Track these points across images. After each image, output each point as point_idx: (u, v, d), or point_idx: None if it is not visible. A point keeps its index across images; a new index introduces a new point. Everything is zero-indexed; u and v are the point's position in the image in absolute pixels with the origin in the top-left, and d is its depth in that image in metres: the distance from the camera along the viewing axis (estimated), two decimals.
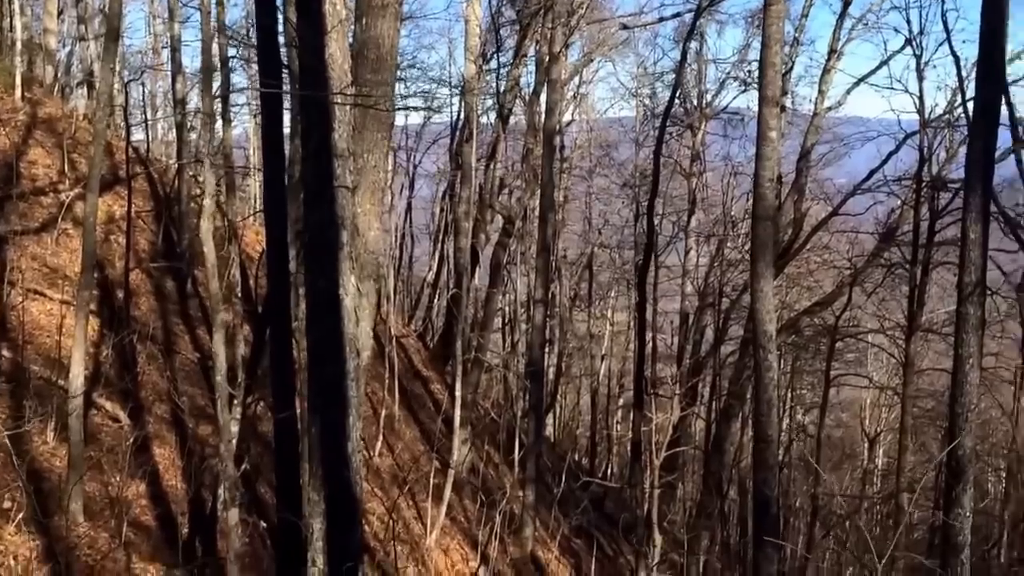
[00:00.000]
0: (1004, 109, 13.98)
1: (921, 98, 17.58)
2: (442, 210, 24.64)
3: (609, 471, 25.53)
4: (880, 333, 20.69)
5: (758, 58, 10.55)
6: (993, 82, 8.33)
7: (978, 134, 8.47)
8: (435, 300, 24.79)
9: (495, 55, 21.32)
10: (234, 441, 8.00)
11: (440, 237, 24.35)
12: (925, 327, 18.19)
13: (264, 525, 9.72)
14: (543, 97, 18.34)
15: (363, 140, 7.65)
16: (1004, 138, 14.89)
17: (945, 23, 20.82)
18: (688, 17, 19.17)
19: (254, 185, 25.26)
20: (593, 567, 14.70)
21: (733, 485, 21.39)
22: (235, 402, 8.56)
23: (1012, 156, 14.44)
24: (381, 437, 14.01)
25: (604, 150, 26.77)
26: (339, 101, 6.67)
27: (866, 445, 24.04)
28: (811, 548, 20.27)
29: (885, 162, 18.35)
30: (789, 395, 24.51)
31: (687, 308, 22.86)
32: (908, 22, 18.70)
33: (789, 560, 21.20)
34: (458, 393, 14.86)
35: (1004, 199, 15.24)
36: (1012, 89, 18.27)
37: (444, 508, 13.01)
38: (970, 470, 8.60)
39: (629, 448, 21.66)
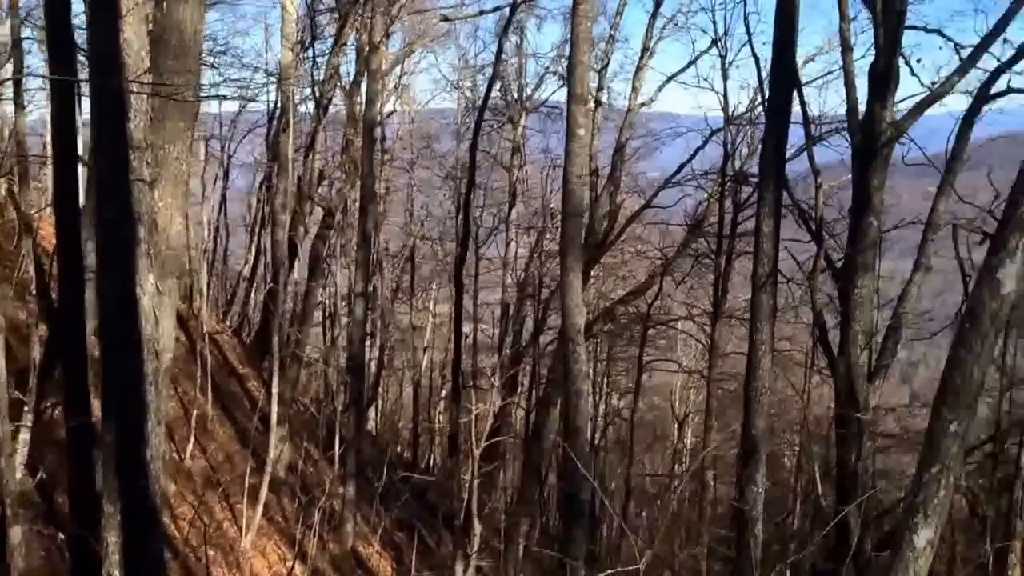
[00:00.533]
0: (800, 108, 15.06)
1: (726, 96, 18.54)
2: (259, 201, 23.94)
3: (432, 462, 25.62)
4: (689, 320, 21.69)
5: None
6: (784, 84, 8.83)
7: (770, 132, 8.95)
8: (252, 295, 24.06)
9: (312, 43, 20.87)
10: (24, 451, 7.48)
11: (257, 229, 23.66)
12: (728, 314, 19.18)
13: (62, 537, 9.17)
14: (363, 87, 18.12)
15: (164, 130, 7.29)
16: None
17: (747, 26, 22.02)
18: (508, 11, 19.43)
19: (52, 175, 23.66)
20: (414, 559, 14.72)
21: (553, 471, 21.94)
22: (26, 408, 8.03)
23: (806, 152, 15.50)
24: (193, 438, 13.50)
25: (425, 142, 26.74)
26: (135, 90, 6.35)
27: (676, 427, 25.22)
28: (624, 527, 21.05)
29: (692, 157, 19.29)
30: (605, 381, 25.36)
31: (508, 299, 23.21)
32: (714, 23, 19.69)
33: (606, 539, 21.99)
34: (275, 390, 14.49)
35: (799, 192, 16.25)
36: (806, 89, 19.56)
37: (260, 508, 12.69)
38: (762, 449, 9.07)
39: (447, 440, 21.82)
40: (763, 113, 17.27)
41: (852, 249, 13.82)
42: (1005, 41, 12.24)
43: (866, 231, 13.47)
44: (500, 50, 19.83)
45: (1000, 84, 11.10)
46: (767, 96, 10.67)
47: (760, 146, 17.34)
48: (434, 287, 28.40)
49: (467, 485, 13.79)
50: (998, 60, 11.83)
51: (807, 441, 17.47)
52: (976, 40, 12.66)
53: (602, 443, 24.34)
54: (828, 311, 16.27)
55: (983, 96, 12.89)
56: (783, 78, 8.49)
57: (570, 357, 8.24)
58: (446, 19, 21.14)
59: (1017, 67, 10.59)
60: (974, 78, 13.38)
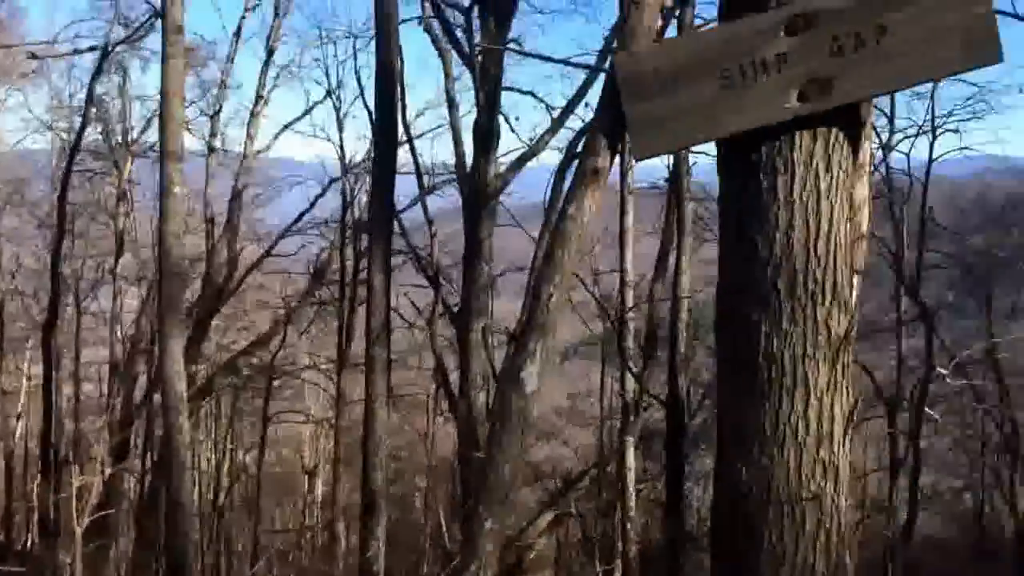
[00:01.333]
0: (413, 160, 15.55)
1: (342, 146, 18.85)
2: None
3: (31, 544, 22.78)
4: (314, 369, 21.48)
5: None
6: (388, 141, 9.02)
7: (377, 188, 9.08)
8: None
9: None
10: None
11: None
12: (354, 361, 19.23)
13: None
14: None
15: None
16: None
17: (358, 80, 22.49)
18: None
19: None
20: None
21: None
22: None
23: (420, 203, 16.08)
24: None
25: (14, 186, 23.98)
26: None
27: (306, 478, 24.74)
28: None
29: (312, 206, 19.35)
30: (229, 437, 24.28)
31: (116, 356, 21.41)
32: (327, 75, 19.86)
33: None
34: None
35: (420, 239, 16.77)
36: (421, 141, 20.23)
37: None
38: (381, 502, 9.08)
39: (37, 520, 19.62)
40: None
41: (467, 294, 14.54)
42: (587, 104, 13.61)
43: (478, 277, 14.22)
44: (91, 93, 18.41)
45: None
46: (372, 153, 10.87)
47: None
48: (29, 346, 25.46)
49: (69, 567, 12.45)
50: (583, 121, 13.08)
51: (431, 482, 17.99)
52: (564, 103, 13.94)
53: (227, 503, 23.20)
54: (449, 354, 16.93)
55: (572, 152, 14.19)
56: (386, 135, 8.68)
57: (172, 428, 7.73)
58: (34, 57, 19.23)
59: None
60: (564, 136, 14.71)
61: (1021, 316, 20.88)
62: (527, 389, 2.33)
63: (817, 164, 2.25)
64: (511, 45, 13.14)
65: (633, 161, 9.20)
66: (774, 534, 2.30)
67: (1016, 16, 9.78)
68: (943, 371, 14.39)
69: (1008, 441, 18.55)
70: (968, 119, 18.12)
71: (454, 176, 15.35)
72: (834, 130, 2.27)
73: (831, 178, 2.26)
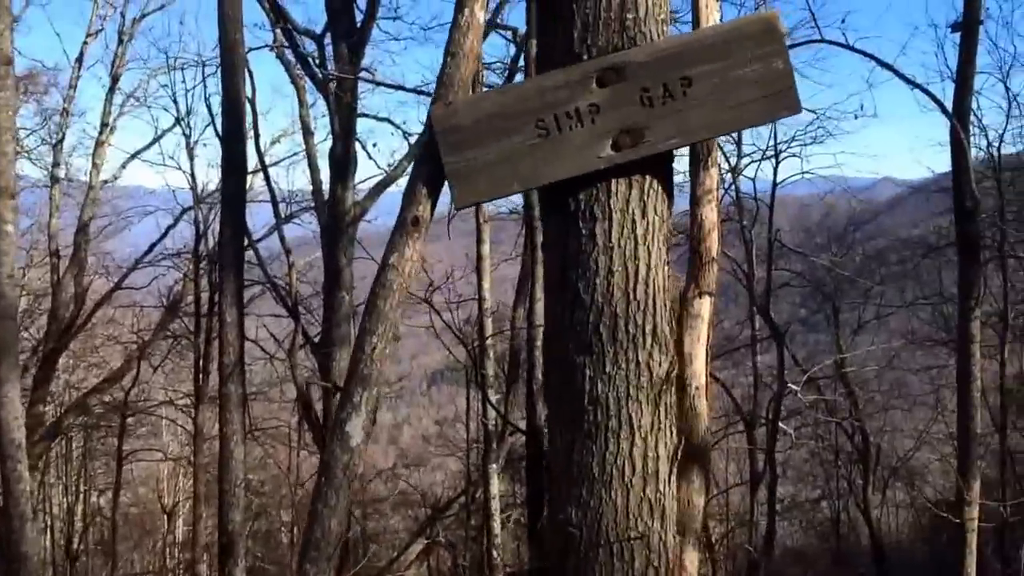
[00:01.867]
0: (268, 189, 15.22)
1: (193, 175, 18.16)
2: None
3: None
4: (171, 405, 20.68)
5: None
6: (236, 172, 8.82)
7: (226, 221, 8.86)
8: None
9: None
10: None
11: None
12: (212, 396, 18.62)
13: None
14: None
15: None
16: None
17: (208, 108, 21.94)
18: None
19: None
20: None
21: None
22: None
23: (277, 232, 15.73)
24: None
25: None
26: None
27: (165, 518, 23.76)
28: None
29: (163, 237, 18.65)
30: (82, 479, 23.11)
31: None
32: (176, 103, 19.22)
33: None
34: None
35: (277, 269, 16.41)
36: (277, 169, 19.87)
37: None
38: (239, 542, 8.85)
39: None
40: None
41: (327, 323, 14.29)
42: None
43: (339, 305, 14.02)
44: None
45: None
46: (221, 185, 10.61)
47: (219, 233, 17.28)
48: None
49: None
50: None
51: (295, 517, 17.56)
52: (421, 128, 13.88)
53: (81, 548, 22.05)
54: (314, 385, 16.58)
55: None
56: (234, 164, 8.49)
57: (11, 477, 7.28)
58: None
59: None
60: None
61: (866, 330, 21.96)
62: (352, 442, 2.30)
63: (633, 210, 2.31)
64: (364, 73, 13.06)
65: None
66: (604, 573, 2.33)
67: (846, 47, 10.37)
68: (794, 387, 15.03)
69: (859, 451, 19.41)
70: (809, 143, 19.03)
71: (312, 204, 15.12)
72: (648, 177, 2.34)
73: (647, 223, 2.32)
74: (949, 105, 10.48)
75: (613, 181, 2.32)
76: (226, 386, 9.11)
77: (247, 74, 14.52)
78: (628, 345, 2.31)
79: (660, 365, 2.33)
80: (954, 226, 12.45)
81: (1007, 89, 16.26)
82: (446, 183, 2.34)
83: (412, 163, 2.63)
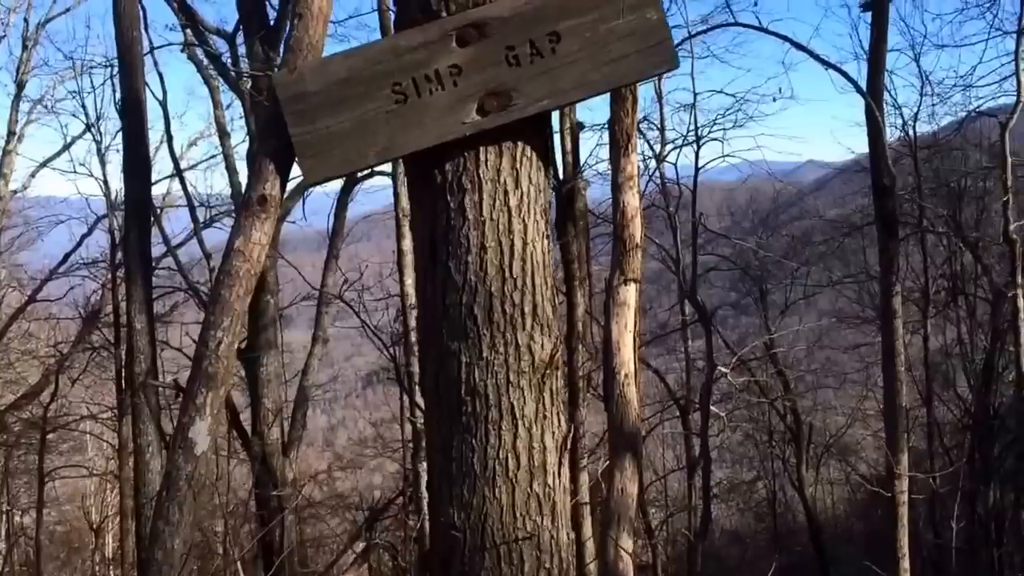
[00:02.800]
0: (183, 193, 14.77)
1: (106, 182, 17.55)
2: None
3: None
4: (93, 419, 20.04)
5: None
6: (140, 176, 8.50)
7: (131, 228, 8.53)
8: None
9: None
10: None
11: None
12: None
13: None
14: None
15: None
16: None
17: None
18: None
19: None
20: None
21: None
22: None
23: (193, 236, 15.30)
24: None
25: None
26: None
27: (93, 535, 23.02)
28: None
29: (78, 246, 18.19)
30: (5, 499, 22.23)
31: None
32: (84, 108, 18.54)
33: None
34: None
35: (200, 274, 15.98)
36: (194, 172, 19.37)
37: None
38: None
39: None
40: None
41: (253, 328, 13.92)
42: None
43: (264, 309, 13.66)
44: None
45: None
46: (124, 193, 10.21)
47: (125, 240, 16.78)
48: None
49: None
50: None
51: (231, 527, 17.06)
52: None
53: (7, 569, 21.23)
54: (238, 392, 16.18)
55: (353, 177, 13.90)
56: (138, 171, 8.15)
57: None
58: None
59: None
60: None
61: (794, 311, 22.21)
62: (197, 450, 2.08)
63: (505, 180, 2.11)
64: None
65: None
66: None
67: (761, 29, 10.37)
68: (724, 370, 15.04)
69: (791, 430, 19.60)
70: (730, 128, 19.11)
71: (232, 207, 14.74)
72: (520, 143, 2.13)
73: (521, 194, 2.12)
74: (864, 85, 10.58)
75: (481, 149, 2.11)
76: (138, 396, 8.80)
77: (158, 76, 14.16)
78: (506, 327, 2.11)
79: (543, 348, 2.14)
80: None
81: (919, 68, 16.54)
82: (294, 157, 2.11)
83: (257, 137, 2.40)
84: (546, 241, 2.17)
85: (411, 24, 2.13)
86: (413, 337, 10.56)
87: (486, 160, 2.10)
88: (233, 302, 2.07)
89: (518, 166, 2.12)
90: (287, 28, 11.72)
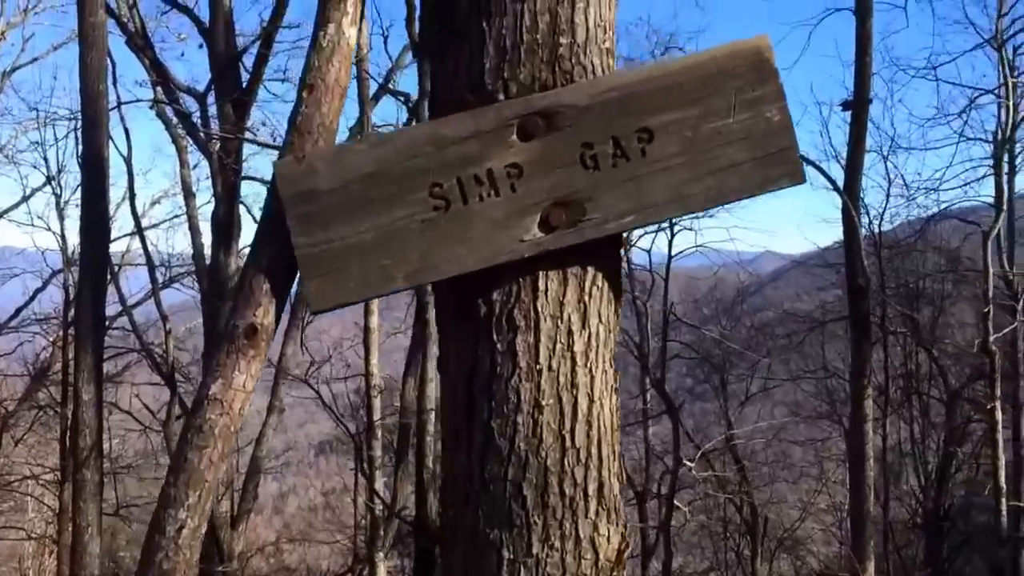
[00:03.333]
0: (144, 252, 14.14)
1: (64, 237, 17.26)
2: None
3: None
4: (35, 480, 19.06)
5: None
6: (96, 236, 8.01)
7: (86, 291, 7.99)
8: None
9: None
10: None
11: None
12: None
13: None
14: None
15: None
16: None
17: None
18: None
19: None
20: None
21: None
22: None
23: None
24: None
25: None
26: None
27: None
28: None
29: (31, 301, 17.87)
30: None
31: None
32: (46, 160, 18.09)
33: None
34: None
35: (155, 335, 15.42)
36: (156, 232, 18.78)
37: None
38: None
39: None
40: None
41: None
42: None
43: None
44: None
45: None
46: (79, 250, 9.68)
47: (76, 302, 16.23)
48: None
49: None
50: None
51: None
52: None
53: None
54: None
55: None
56: (96, 228, 7.62)
57: None
58: None
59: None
60: None
61: (752, 401, 22.17)
62: None
63: (570, 317, 1.59)
64: (249, 134, 12.28)
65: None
66: None
67: None
68: (689, 464, 14.65)
69: (748, 523, 19.32)
70: (702, 217, 19.01)
71: (193, 268, 14.35)
72: (591, 270, 1.63)
73: (589, 336, 1.61)
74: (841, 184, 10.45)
75: (541, 275, 1.60)
76: (81, 472, 8.18)
77: (124, 131, 13.83)
78: (564, 513, 1.57)
79: (608, 541, 1.60)
80: (843, 302, 12.35)
81: (887, 169, 16.67)
82: (297, 275, 1.54)
83: (251, 247, 1.85)
84: (615, 398, 1.64)
85: (457, 106, 1.61)
86: (376, 417, 9.96)
87: (546, 290, 1.59)
88: (204, 470, 1.47)
89: (587, 299, 1.61)
90: (256, 92, 11.24)
